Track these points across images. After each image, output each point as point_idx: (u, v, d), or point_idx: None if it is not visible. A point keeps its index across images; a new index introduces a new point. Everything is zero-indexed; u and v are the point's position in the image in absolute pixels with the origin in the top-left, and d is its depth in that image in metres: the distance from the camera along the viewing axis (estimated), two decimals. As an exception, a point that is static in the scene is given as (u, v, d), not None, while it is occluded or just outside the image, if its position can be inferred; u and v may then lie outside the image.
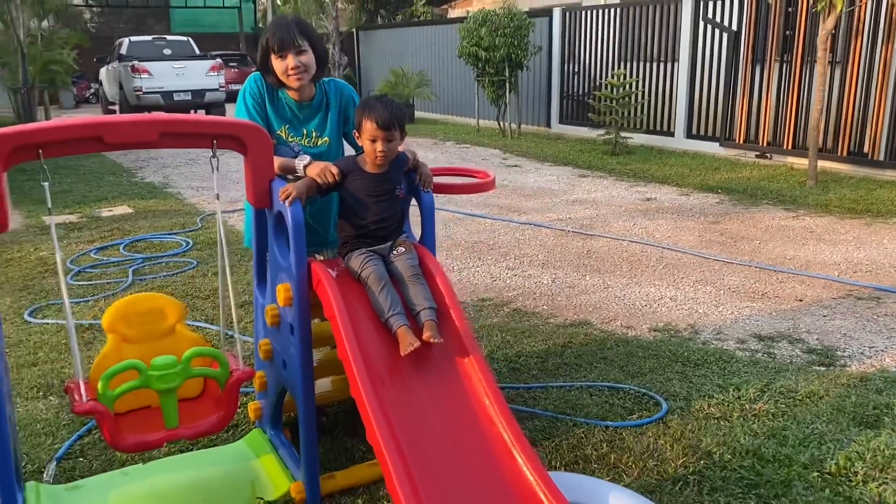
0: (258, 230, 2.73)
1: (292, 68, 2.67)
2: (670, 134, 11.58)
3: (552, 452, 2.92)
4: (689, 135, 11.30)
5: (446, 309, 2.49)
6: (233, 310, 2.51)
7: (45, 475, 2.82)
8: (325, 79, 2.86)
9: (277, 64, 2.69)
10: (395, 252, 2.58)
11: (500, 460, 2.23)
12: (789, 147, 9.67)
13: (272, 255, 2.63)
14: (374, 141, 2.54)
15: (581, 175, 9.58)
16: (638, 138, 11.56)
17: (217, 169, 2.44)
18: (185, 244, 6.17)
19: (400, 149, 2.62)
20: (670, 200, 7.91)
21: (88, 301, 4.80)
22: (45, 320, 4.44)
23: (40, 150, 2.14)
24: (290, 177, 2.64)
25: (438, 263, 2.61)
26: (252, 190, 2.52)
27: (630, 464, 2.83)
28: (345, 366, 2.29)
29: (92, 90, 20.27)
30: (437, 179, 2.79)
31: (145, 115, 2.29)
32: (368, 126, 2.53)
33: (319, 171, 2.55)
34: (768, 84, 9.83)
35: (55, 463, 2.89)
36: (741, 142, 10.34)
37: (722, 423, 3.14)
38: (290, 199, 2.40)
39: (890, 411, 3.21)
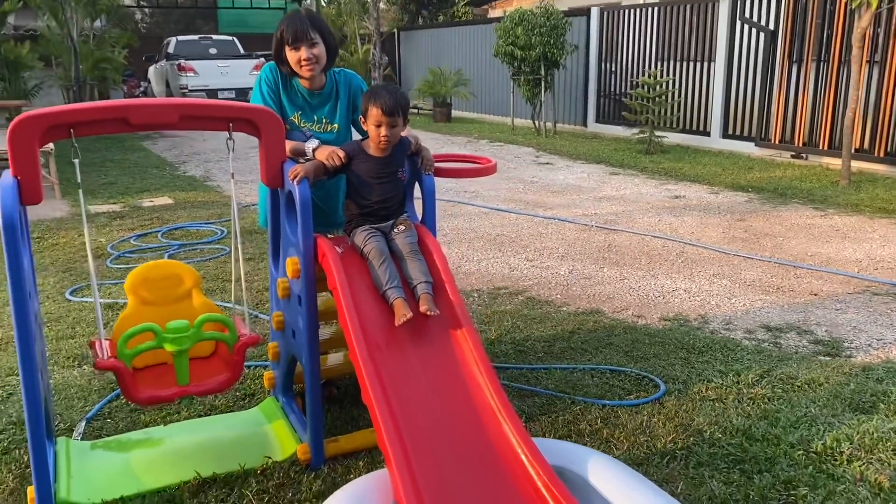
0: (273, 209, 2.93)
1: (305, 59, 2.86)
2: (706, 134, 11.55)
3: (548, 426, 3.05)
4: (725, 134, 11.26)
5: (442, 284, 2.65)
6: (242, 281, 2.72)
7: (75, 433, 3.06)
8: (336, 69, 3.05)
9: (291, 55, 2.88)
10: (395, 230, 2.75)
11: (486, 424, 2.38)
12: (825, 147, 9.59)
13: (283, 232, 2.82)
14: (378, 126, 2.71)
15: (612, 173, 9.63)
16: (673, 138, 11.57)
17: (233, 150, 2.64)
18: (219, 232, 6.44)
19: (403, 134, 2.79)
20: (699, 198, 7.94)
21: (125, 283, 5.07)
22: (84, 298, 4.72)
23: (71, 129, 2.36)
24: (302, 160, 2.83)
25: (437, 242, 2.77)
26: (265, 171, 2.71)
27: (621, 438, 2.95)
28: (344, 332, 2.47)
29: (141, 88, 20.89)
30: (439, 164, 2.95)
31: (166, 99, 2.50)
32: (374, 112, 2.70)
33: (327, 154, 2.73)
34: (805, 84, 9.76)
35: (85, 423, 3.13)
36: (777, 142, 10.28)
37: (717, 404, 3.24)
38: (298, 178, 2.58)
39: (887, 398, 3.26)
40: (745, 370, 3.57)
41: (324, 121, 3.01)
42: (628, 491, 2.20)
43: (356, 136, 3.08)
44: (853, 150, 8.56)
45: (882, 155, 9.00)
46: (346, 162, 2.75)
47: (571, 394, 3.34)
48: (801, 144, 9.93)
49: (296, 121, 2.98)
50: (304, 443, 2.80)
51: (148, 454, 2.86)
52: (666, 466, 2.76)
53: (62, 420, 3.16)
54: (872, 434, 2.93)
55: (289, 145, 2.80)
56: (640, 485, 2.23)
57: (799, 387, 3.40)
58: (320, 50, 2.89)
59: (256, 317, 4.33)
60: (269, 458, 2.79)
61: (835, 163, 9.19)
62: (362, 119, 2.78)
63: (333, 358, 3.24)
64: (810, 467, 2.73)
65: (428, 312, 2.54)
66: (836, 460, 2.78)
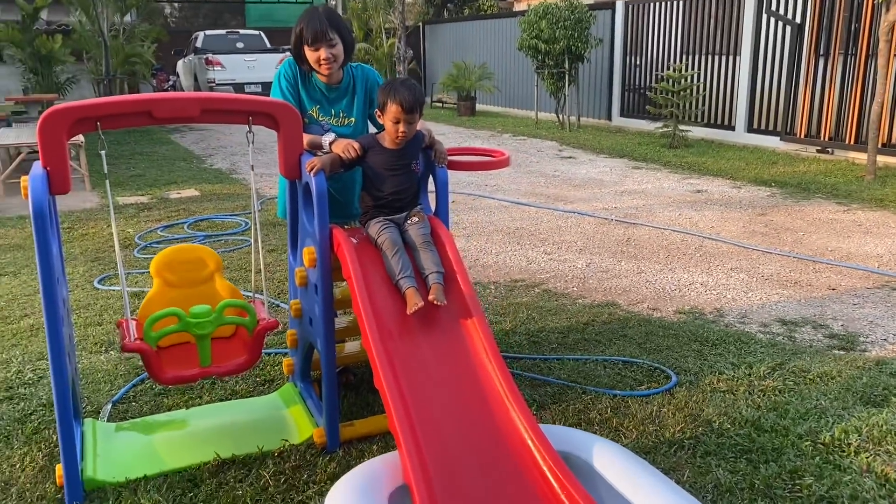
0: (291, 201, 3.02)
1: (324, 59, 2.94)
2: (731, 128, 11.48)
3: (558, 415, 3.11)
4: (750, 129, 11.18)
5: (453, 274, 2.72)
6: (262, 269, 2.81)
7: (101, 415, 3.18)
8: (353, 64, 3.12)
9: (310, 54, 2.96)
10: (409, 221, 2.82)
11: (494, 410, 2.45)
12: (851, 142, 9.49)
13: (301, 222, 2.91)
14: (396, 122, 2.76)
15: (635, 167, 9.62)
16: (698, 132, 11.52)
17: (253, 142, 2.73)
18: (244, 224, 6.57)
19: (417, 127, 2.86)
20: (721, 193, 7.91)
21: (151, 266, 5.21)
22: (112, 287, 4.86)
23: (98, 123, 2.46)
24: (319, 152, 2.91)
25: (449, 233, 2.84)
26: (283, 163, 2.80)
27: (630, 427, 3.01)
28: (358, 319, 2.55)
29: (170, 82, 21.18)
30: (453, 157, 3.01)
31: (188, 93, 2.59)
32: (393, 108, 2.74)
33: (343, 146, 2.81)
34: (832, 78, 9.66)
35: (111, 405, 3.25)
36: (802, 136, 10.19)
37: (727, 396, 3.27)
38: (314, 170, 2.66)
39: (899, 392, 3.27)
40: (757, 363, 3.59)
41: (341, 115, 3.09)
42: (632, 476, 2.26)
43: (372, 129, 3.16)
44: (880, 145, 8.47)
45: (910, 150, 8.90)
46: (362, 154, 2.82)
47: (583, 384, 3.40)
48: (826, 139, 9.84)
49: (314, 115, 3.06)
50: (320, 427, 2.89)
51: (170, 436, 2.97)
52: (673, 455, 2.81)
53: (89, 402, 3.29)
54: (882, 426, 2.95)
55: (306, 139, 2.88)
56: (643, 471, 2.29)
57: (811, 380, 3.42)
58: (339, 49, 2.96)
59: (278, 306, 4.43)
60: (287, 441, 2.88)
61: (861, 157, 9.10)
62: (378, 113, 2.84)
63: (350, 346, 3.32)
64: (817, 458, 2.76)
65: (435, 302, 2.59)
66: (843, 451, 2.81)
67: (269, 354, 3.74)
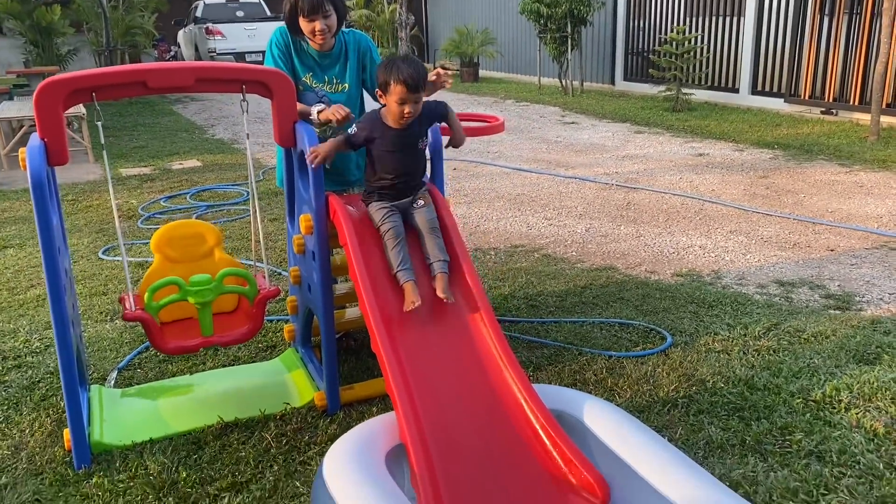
0: (287, 169, 3.05)
1: (319, 31, 2.95)
2: (734, 90, 11.39)
3: (554, 376, 3.17)
4: (754, 91, 11.10)
5: (450, 241, 2.74)
6: (261, 238, 2.85)
7: (107, 381, 3.25)
8: (345, 30, 3.13)
9: (305, 25, 2.96)
10: (415, 205, 2.78)
11: (489, 370, 2.50)
12: (856, 103, 9.42)
13: (297, 190, 2.94)
14: (402, 103, 2.62)
15: (637, 132, 9.58)
16: (701, 95, 11.44)
17: (247, 111, 2.75)
18: (245, 194, 6.60)
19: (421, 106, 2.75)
20: (723, 156, 7.89)
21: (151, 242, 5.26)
22: (116, 258, 4.92)
23: (93, 93, 2.48)
24: (314, 119, 2.93)
25: (445, 199, 2.86)
26: (278, 131, 2.82)
27: (625, 387, 3.06)
28: (354, 283, 2.59)
29: (172, 52, 21.06)
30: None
31: (182, 63, 2.62)
32: (397, 89, 2.59)
33: (332, 111, 2.79)
34: (836, 38, 9.56)
35: (116, 372, 3.33)
36: (806, 98, 10.11)
37: (721, 356, 3.32)
38: (316, 162, 2.65)
39: (891, 350, 3.31)
40: (753, 323, 3.63)
41: (334, 81, 3.11)
42: (622, 432, 2.31)
43: (367, 98, 3.17)
44: (884, 106, 8.42)
45: (914, 110, 8.83)
46: (367, 135, 2.74)
47: (579, 345, 3.45)
48: (831, 100, 9.77)
49: (308, 81, 3.08)
50: (321, 390, 2.96)
51: (175, 401, 3.05)
52: (667, 413, 2.87)
53: (96, 370, 3.36)
54: (873, 383, 2.99)
55: (298, 108, 2.89)
56: (633, 427, 2.34)
57: (805, 339, 3.46)
58: (333, 20, 2.97)
59: (279, 273, 4.48)
60: (288, 404, 2.95)
61: (865, 118, 9.03)
62: (379, 93, 2.70)
63: (351, 311, 3.37)
64: (808, 414, 2.81)
65: (443, 297, 2.58)
66: (834, 408, 2.86)
67: (270, 321, 3.80)
